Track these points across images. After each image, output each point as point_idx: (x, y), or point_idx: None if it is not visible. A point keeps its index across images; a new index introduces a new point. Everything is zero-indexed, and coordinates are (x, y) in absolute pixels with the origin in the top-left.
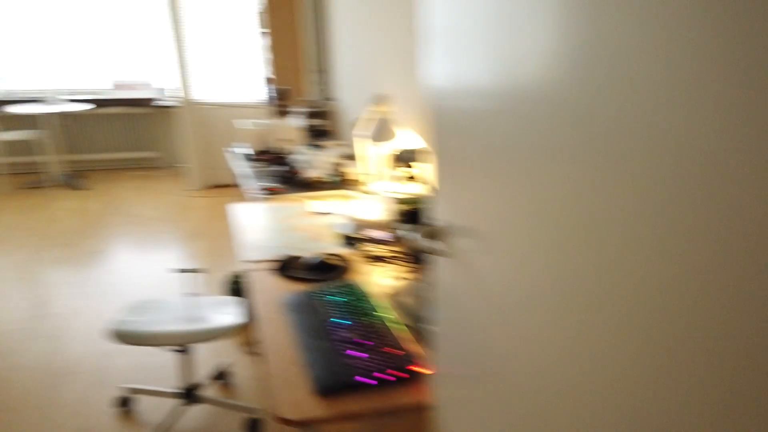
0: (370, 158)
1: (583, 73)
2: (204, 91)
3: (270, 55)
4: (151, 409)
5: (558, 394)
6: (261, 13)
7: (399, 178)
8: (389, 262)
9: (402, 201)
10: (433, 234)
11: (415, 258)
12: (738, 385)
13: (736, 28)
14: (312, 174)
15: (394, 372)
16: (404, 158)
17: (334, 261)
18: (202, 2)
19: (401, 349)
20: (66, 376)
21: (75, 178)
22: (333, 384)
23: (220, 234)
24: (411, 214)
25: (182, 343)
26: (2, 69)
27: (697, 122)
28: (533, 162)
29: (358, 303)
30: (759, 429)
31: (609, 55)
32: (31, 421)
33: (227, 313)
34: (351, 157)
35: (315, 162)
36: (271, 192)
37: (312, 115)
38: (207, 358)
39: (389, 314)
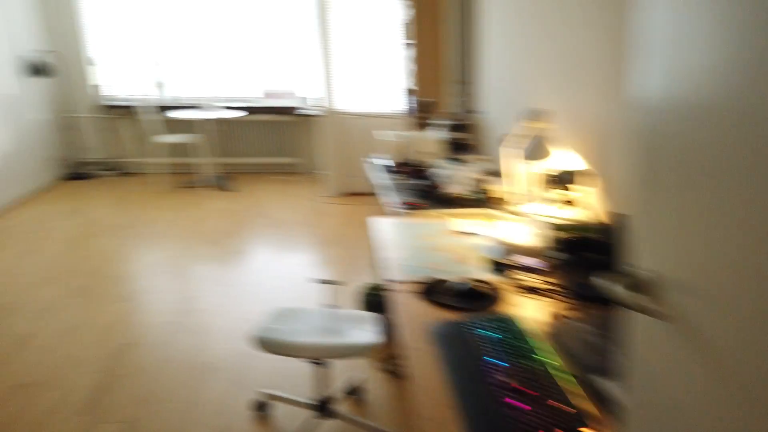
0: (520, 177)
1: None
2: (345, 101)
3: (413, 66)
4: (286, 417)
5: None
6: (406, 24)
7: (553, 201)
8: (544, 295)
9: (558, 227)
10: (637, 286)
11: (576, 294)
12: None
13: None
14: (453, 189)
15: None
16: (561, 180)
17: (483, 288)
18: (349, 16)
19: (570, 405)
20: (209, 373)
21: (224, 180)
22: None
23: (354, 242)
24: (569, 242)
25: (320, 357)
26: (168, 78)
27: None
28: None
29: (514, 341)
30: None
31: None
32: (175, 415)
33: (365, 330)
34: (495, 174)
35: (456, 177)
36: (412, 207)
37: (454, 127)
38: (341, 371)
39: (552, 359)
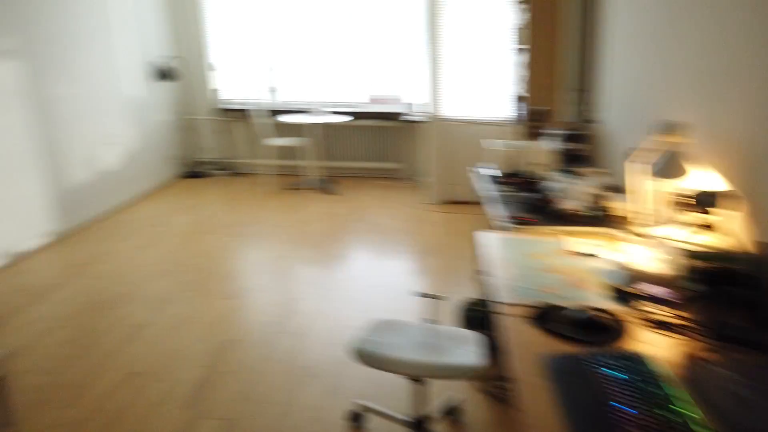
0: (648, 195)
1: None
2: (452, 107)
3: (524, 72)
4: (380, 431)
5: None
6: (520, 28)
7: (688, 225)
8: (677, 332)
9: (695, 254)
10: None
11: (717, 333)
12: None
13: None
14: (568, 205)
15: None
16: (700, 201)
17: (604, 319)
18: (459, 21)
19: None
20: (306, 377)
21: (328, 184)
22: None
23: (455, 253)
24: (708, 272)
25: (419, 375)
26: (280, 83)
27: None
28: None
29: (645, 386)
30: None
31: None
32: (272, 417)
33: (468, 350)
34: (616, 189)
35: (571, 191)
36: (522, 222)
37: (569, 138)
38: (439, 389)
39: (691, 411)
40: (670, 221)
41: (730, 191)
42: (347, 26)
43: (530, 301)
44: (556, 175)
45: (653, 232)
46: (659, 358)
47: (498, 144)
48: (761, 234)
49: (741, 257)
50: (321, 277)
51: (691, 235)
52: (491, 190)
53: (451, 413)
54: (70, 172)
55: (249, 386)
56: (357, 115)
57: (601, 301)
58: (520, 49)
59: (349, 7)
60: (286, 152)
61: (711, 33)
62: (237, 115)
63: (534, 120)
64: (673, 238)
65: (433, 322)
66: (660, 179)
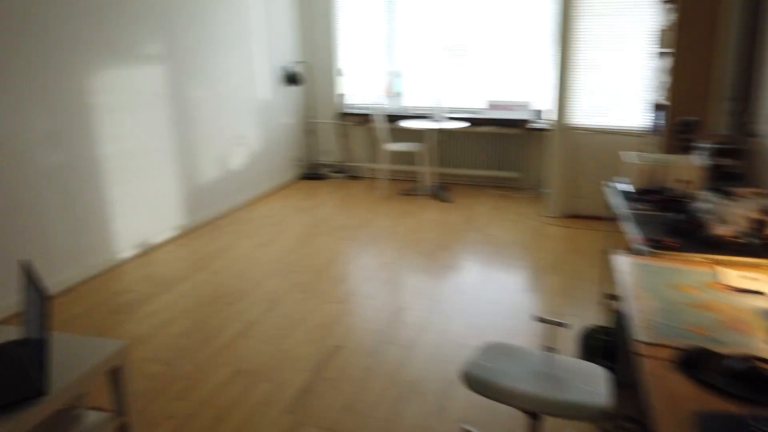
0: None
1: None
2: (578, 115)
3: (667, 78)
4: None
5: None
6: (663, 30)
7: None
8: None
9: None
10: None
11: None
12: None
13: None
14: (722, 230)
15: None
16: None
17: None
18: (591, 23)
19: None
20: (410, 393)
21: (441, 191)
22: None
23: (577, 272)
24: None
25: (536, 410)
26: (403, 88)
27: None
28: None
29: None
30: None
31: None
32: None
33: (593, 387)
34: None
35: (725, 214)
36: (661, 246)
37: (722, 152)
38: (554, 424)
39: None
40: None
41: None
42: (472, 30)
43: (675, 341)
44: (705, 195)
45: None
46: None
47: (632, 156)
48: None
49: None
50: (430, 287)
51: None
52: (622, 207)
53: None
54: (200, 170)
55: (352, 396)
56: (474, 121)
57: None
58: (662, 53)
59: (475, 9)
60: (401, 157)
61: None
62: (358, 119)
63: (679, 131)
64: None
65: (553, 350)
66: None
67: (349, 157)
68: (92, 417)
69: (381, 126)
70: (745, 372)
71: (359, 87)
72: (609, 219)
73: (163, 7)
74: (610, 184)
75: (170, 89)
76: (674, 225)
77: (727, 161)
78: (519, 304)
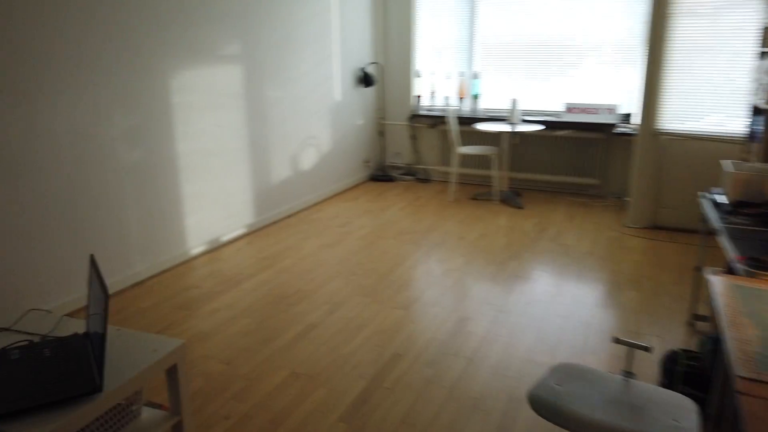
0: None
1: None
2: (667, 119)
3: None
4: None
5: None
6: (766, 29)
7: None
8: None
9: None
10: None
11: None
12: None
13: None
14: None
15: None
16: None
17: None
18: (689, 22)
19: None
20: (471, 410)
21: (512, 196)
22: None
23: (657, 288)
24: None
25: None
26: (480, 91)
27: None
28: None
29: None
30: None
31: None
32: None
33: (676, 419)
34: None
35: None
36: (763, 266)
37: None
38: None
39: None
40: None
41: None
42: (554, 30)
43: None
44: None
45: None
46: None
47: (727, 165)
48: None
49: None
50: (497, 297)
51: None
52: (714, 220)
53: None
54: (271, 170)
55: (410, 409)
56: (550, 125)
57: None
58: (764, 53)
59: (559, 8)
60: (473, 161)
61: None
62: (430, 121)
63: None
64: None
65: (631, 374)
66: None
67: (419, 159)
68: (148, 414)
69: (454, 128)
70: None
71: (434, 88)
72: (698, 232)
73: (243, 7)
74: (707, 194)
75: (247, 89)
76: None
77: None
78: (593, 321)
